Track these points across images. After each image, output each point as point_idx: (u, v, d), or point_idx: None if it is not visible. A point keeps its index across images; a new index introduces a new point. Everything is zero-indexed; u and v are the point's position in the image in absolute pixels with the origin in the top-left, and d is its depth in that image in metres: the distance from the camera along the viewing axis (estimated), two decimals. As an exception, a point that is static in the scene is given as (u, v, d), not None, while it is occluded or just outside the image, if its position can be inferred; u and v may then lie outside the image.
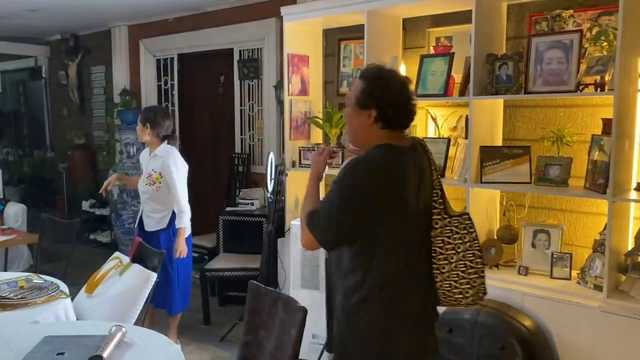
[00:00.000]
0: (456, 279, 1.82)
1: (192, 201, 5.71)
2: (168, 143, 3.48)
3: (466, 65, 3.12)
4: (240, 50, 4.99)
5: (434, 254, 1.81)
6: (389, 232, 1.73)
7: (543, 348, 2.60)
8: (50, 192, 7.38)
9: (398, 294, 1.75)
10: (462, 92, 3.13)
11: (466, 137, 3.22)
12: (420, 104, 3.55)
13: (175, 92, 5.68)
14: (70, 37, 6.73)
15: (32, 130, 8.08)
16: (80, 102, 6.83)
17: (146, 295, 2.61)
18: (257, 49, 4.84)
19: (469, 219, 1.83)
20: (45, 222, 3.67)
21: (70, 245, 3.50)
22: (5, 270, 5.08)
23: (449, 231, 1.81)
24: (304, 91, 4.09)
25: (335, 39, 4.20)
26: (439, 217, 1.81)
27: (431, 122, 3.55)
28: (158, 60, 5.87)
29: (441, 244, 1.81)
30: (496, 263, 3.07)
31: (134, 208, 5.52)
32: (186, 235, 3.41)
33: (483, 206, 3.14)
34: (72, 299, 2.69)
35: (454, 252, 1.81)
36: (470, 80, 2.98)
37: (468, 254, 1.81)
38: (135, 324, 2.60)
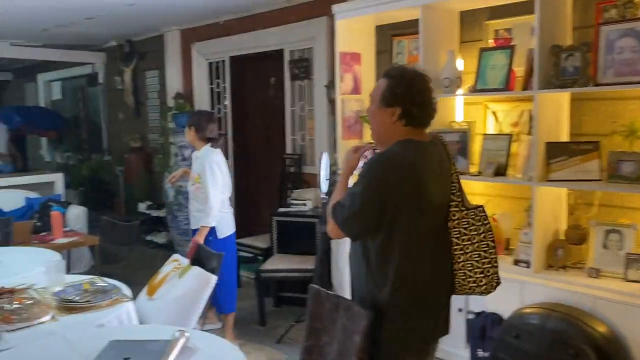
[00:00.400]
0: (470, 268, 1.93)
1: (245, 202, 5.81)
2: (211, 145, 3.59)
3: (529, 58, 2.98)
4: (290, 51, 4.97)
5: (450, 245, 1.91)
6: (411, 224, 1.82)
7: (619, 356, 2.44)
8: (108, 194, 7.60)
9: (421, 283, 1.86)
10: (525, 86, 2.99)
11: (529, 133, 3.08)
12: (479, 99, 3.43)
13: (227, 94, 5.73)
14: (125, 43, 6.90)
15: (91, 135, 8.35)
16: (136, 107, 7.00)
17: (206, 298, 2.62)
18: (308, 48, 4.80)
19: (484, 211, 1.93)
20: (105, 225, 3.76)
21: (129, 247, 3.58)
22: (68, 272, 5.26)
23: (465, 223, 1.91)
24: (356, 90, 4.03)
25: (388, 35, 4.11)
26: (456, 209, 1.90)
27: (491, 117, 3.41)
28: (210, 63, 5.94)
29: (457, 235, 1.91)
30: (563, 264, 2.92)
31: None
32: (228, 234, 3.57)
33: (549, 205, 2.99)
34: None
35: (469, 242, 1.91)
36: (533, 73, 2.84)
37: (482, 244, 1.92)
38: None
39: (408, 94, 1.83)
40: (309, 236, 4.13)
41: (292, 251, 4.18)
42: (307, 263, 3.94)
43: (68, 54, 7.39)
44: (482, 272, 1.92)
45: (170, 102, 6.05)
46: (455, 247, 1.92)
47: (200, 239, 3.39)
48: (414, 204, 1.81)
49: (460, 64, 3.47)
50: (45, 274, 2.43)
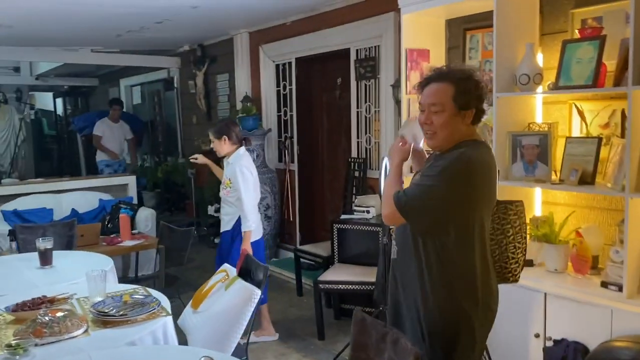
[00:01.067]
0: (506, 260, 2.03)
1: (309, 208, 5.64)
2: (245, 146, 3.77)
3: (622, 50, 2.56)
4: (357, 50, 4.74)
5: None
6: (481, 222, 1.85)
7: None
8: (181, 196, 7.72)
9: (485, 281, 1.88)
10: (618, 82, 2.58)
11: (622, 136, 2.67)
12: (562, 97, 3.03)
13: (294, 96, 5.59)
14: (198, 47, 6.97)
15: (166, 138, 8.55)
16: (207, 110, 7.05)
17: (250, 313, 2.45)
18: (374, 47, 4.55)
19: (522, 205, 2.04)
20: (163, 230, 3.71)
21: (185, 252, 3.52)
22: (136, 274, 5.33)
23: (497, 218, 2.00)
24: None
25: (460, 29, 3.78)
26: None
27: (577, 118, 3.01)
28: (277, 66, 5.83)
29: (492, 231, 1.98)
30: (665, 290, 2.48)
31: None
32: (255, 239, 3.59)
33: (646, 220, 2.56)
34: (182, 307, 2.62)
35: (503, 236, 2.00)
36: (628, 67, 2.44)
37: (517, 236, 2.03)
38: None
39: (481, 94, 1.87)
40: (371, 246, 3.88)
41: (353, 261, 3.95)
42: (368, 275, 3.69)
43: (145, 59, 7.59)
44: (516, 262, 2.04)
45: (239, 105, 6.01)
46: (491, 242, 1.98)
47: (246, 245, 3.44)
48: (489, 206, 1.89)
49: (540, 59, 3.10)
50: (88, 283, 2.35)
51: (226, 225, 3.68)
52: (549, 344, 2.73)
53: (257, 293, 2.43)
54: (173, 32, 5.97)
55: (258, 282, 2.57)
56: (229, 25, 5.77)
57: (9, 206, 5.35)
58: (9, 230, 4.48)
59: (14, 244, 4.11)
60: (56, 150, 11.41)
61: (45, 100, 11.93)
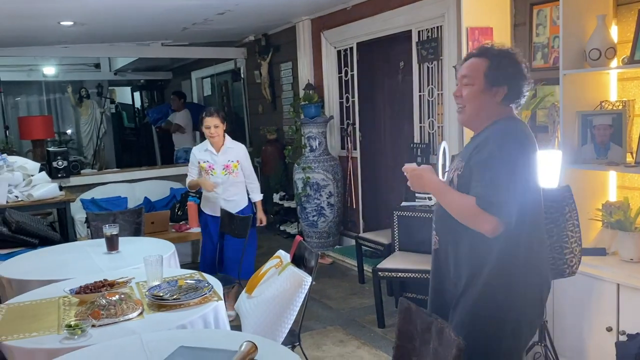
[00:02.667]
0: (559, 250, 1.98)
1: (372, 194, 5.58)
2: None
3: None
4: (419, 32, 4.60)
5: None
6: (536, 204, 1.79)
7: None
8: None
9: (538, 265, 1.80)
10: (701, 52, 2.33)
11: None
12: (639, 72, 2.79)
13: (356, 82, 5.52)
14: (262, 36, 7.04)
15: (235, 128, 8.73)
16: (272, 99, 7.13)
17: (301, 300, 2.44)
18: (437, 27, 4.39)
19: (569, 191, 1.98)
20: (224, 216, 3.79)
21: (243, 239, 3.58)
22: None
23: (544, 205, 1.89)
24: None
25: (527, 5, 3.57)
26: None
27: (655, 95, 2.75)
28: (338, 52, 5.78)
29: None
30: None
31: (316, 201, 5.52)
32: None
33: None
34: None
35: (553, 225, 1.94)
36: None
37: (569, 224, 1.98)
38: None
39: (517, 73, 1.81)
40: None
41: (414, 249, 3.85)
42: (429, 263, 3.57)
43: (212, 51, 7.77)
44: (571, 253, 1.99)
45: (302, 93, 6.02)
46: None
47: (262, 211, 4.12)
48: (537, 182, 1.80)
49: (614, 31, 2.86)
50: (145, 267, 2.44)
51: (241, 203, 4.04)
52: (622, 338, 2.55)
53: (308, 280, 2.42)
54: (237, 23, 6.05)
55: (310, 269, 2.56)
56: (291, 12, 5.78)
57: (88, 195, 5.68)
58: (85, 218, 4.75)
59: (89, 230, 4.35)
60: (135, 142, 11.98)
61: (124, 95, 12.54)
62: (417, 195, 4.11)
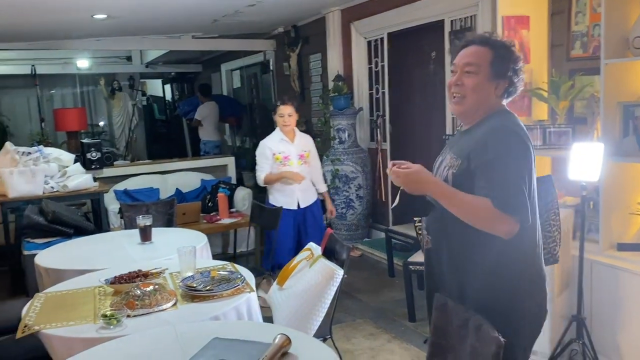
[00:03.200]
0: (544, 239, 1.91)
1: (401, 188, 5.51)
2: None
3: None
4: (451, 21, 4.51)
5: None
6: (535, 197, 1.74)
7: None
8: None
9: (539, 256, 1.77)
10: None
11: None
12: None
13: (386, 73, 5.45)
14: (291, 28, 7.02)
15: (263, 120, 8.75)
16: (301, 91, 7.11)
17: (333, 293, 2.42)
18: (470, 16, 4.31)
19: (551, 180, 1.98)
20: (254, 208, 3.81)
21: (275, 230, 3.59)
22: (234, 250, 5.54)
23: None
24: (523, 59, 3.43)
25: (565, -8, 3.46)
26: None
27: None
28: (369, 42, 5.72)
29: None
30: None
31: (345, 193, 5.50)
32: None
33: None
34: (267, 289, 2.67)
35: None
36: None
37: (551, 213, 1.98)
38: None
39: (518, 67, 1.77)
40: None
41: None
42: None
43: (242, 43, 7.79)
44: (554, 242, 2.00)
45: (331, 85, 5.99)
46: None
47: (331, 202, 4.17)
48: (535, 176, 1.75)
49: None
50: (179, 258, 2.46)
51: (314, 194, 4.00)
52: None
53: (340, 273, 2.40)
54: (266, 15, 6.04)
55: (341, 262, 2.54)
56: (321, 3, 5.74)
57: (121, 186, 5.76)
58: (119, 208, 4.82)
59: (122, 221, 4.42)
60: (165, 134, 12.13)
61: (155, 87, 12.70)
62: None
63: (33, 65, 9.15)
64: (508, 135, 1.68)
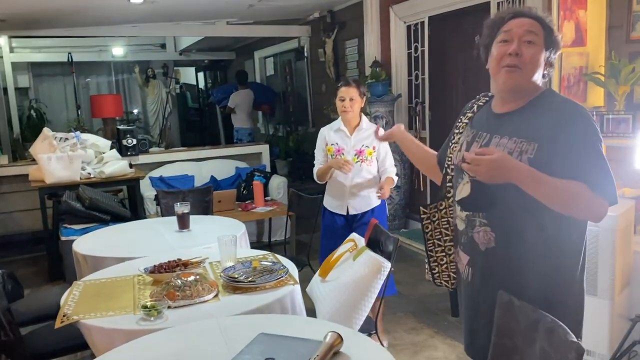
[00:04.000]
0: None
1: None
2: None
3: None
4: (498, 2, 4.30)
5: None
6: None
7: None
8: (312, 165, 7.77)
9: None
10: None
11: None
12: None
13: (426, 58, 5.27)
14: (327, 13, 6.87)
15: (297, 108, 8.65)
16: (336, 78, 6.96)
17: (379, 286, 2.31)
18: (519, -3, 4.09)
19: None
20: (292, 197, 3.71)
21: (314, 219, 3.48)
22: (269, 238, 5.46)
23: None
24: (579, 41, 3.26)
25: (627, -31, 3.23)
26: None
27: None
28: (408, 27, 5.54)
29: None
30: None
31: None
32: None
33: None
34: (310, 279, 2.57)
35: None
36: None
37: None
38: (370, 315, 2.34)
39: (559, 50, 1.65)
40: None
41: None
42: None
43: (276, 29, 7.68)
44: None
45: (368, 71, 5.83)
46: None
47: (389, 186, 3.20)
48: None
49: None
50: (219, 247, 2.37)
51: (373, 200, 3.26)
52: None
53: (387, 265, 2.28)
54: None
55: (388, 254, 2.42)
56: (359, -13, 5.58)
57: (156, 173, 5.75)
58: (155, 195, 4.79)
59: (158, 208, 4.38)
60: (198, 122, 12.15)
61: (189, 75, 12.72)
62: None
63: (69, 53, 9.23)
64: (584, 114, 1.56)
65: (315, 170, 3.38)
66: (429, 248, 1.86)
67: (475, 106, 1.82)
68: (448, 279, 1.88)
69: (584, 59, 3.27)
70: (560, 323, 1.41)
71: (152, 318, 1.85)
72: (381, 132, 2.21)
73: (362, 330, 2.35)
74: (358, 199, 3.25)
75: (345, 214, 3.28)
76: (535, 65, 1.59)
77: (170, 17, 6.68)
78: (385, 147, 3.27)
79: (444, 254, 1.84)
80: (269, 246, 5.41)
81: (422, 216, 1.84)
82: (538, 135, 1.56)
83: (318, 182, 3.39)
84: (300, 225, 5.01)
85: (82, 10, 5.55)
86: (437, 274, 1.88)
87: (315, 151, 3.40)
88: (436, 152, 2.00)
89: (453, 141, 1.82)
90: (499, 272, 1.67)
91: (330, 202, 3.36)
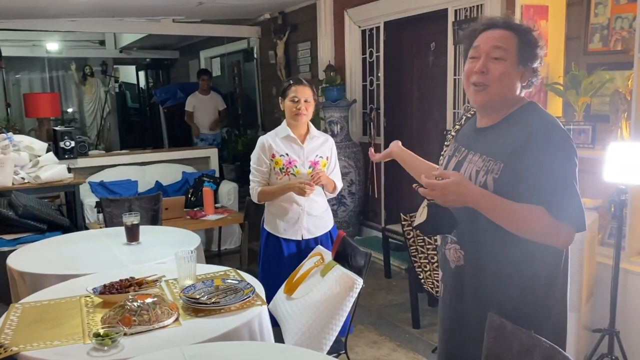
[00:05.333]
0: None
1: (397, 184, 5.30)
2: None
3: None
4: (455, 10, 4.29)
5: None
6: None
7: None
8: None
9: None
10: None
11: None
12: None
13: (381, 64, 5.22)
14: (279, 14, 6.71)
15: (246, 110, 8.43)
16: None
17: (351, 304, 2.18)
18: (477, 5, 4.09)
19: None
20: (249, 204, 3.53)
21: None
22: (219, 247, 5.24)
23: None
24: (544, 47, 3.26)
25: (585, -18, 3.27)
26: None
27: None
28: (363, 31, 5.47)
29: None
30: None
31: (338, 189, 5.24)
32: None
33: None
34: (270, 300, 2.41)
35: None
36: None
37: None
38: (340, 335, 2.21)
39: (541, 55, 1.56)
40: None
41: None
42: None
43: (225, 29, 7.43)
44: None
45: (321, 75, 5.72)
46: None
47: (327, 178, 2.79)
48: None
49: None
50: (177, 264, 2.17)
51: (328, 221, 2.89)
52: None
53: (360, 282, 2.16)
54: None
55: (358, 269, 2.30)
56: (313, -11, 5.46)
57: (96, 177, 5.40)
58: (96, 202, 4.47)
59: (100, 216, 4.08)
60: (139, 122, 11.66)
61: (129, 74, 12.18)
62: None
63: (-2, 47, 8.60)
64: (555, 133, 1.47)
65: (257, 189, 2.79)
66: (412, 254, 1.78)
67: (464, 118, 1.74)
68: (433, 286, 1.79)
69: (545, 69, 3.28)
70: (561, 350, 1.33)
71: (105, 347, 1.64)
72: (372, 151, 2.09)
73: (331, 351, 2.22)
74: (314, 220, 2.82)
75: (299, 239, 2.81)
76: (503, 81, 1.52)
77: (113, 13, 6.31)
78: (335, 156, 2.89)
79: (426, 260, 1.76)
80: (219, 255, 5.20)
81: (403, 223, 1.74)
82: (504, 153, 1.50)
83: (257, 202, 2.88)
84: (252, 232, 4.82)
85: (16, 0, 5.13)
86: (423, 280, 1.79)
87: (254, 165, 2.81)
88: (436, 165, 1.88)
89: (441, 153, 1.73)
90: (469, 289, 1.61)
91: (277, 227, 2.82)
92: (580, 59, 3.33)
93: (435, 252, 1.76)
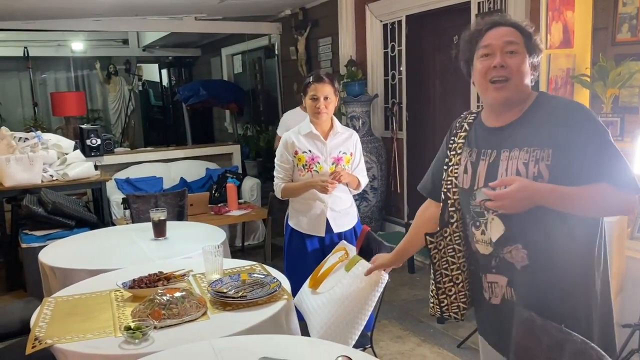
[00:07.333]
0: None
1: (417, 179, 5.26)
2: None
3: None
4: (478, 3, 4.24)
5: None
6: None
7: None
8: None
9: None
10: None
11: None
12: None
13: (403, 58, 5.19)
14: (299, 10, 6.71)
15: (267, 107, 8.46)
16: (309, 76, 6.82)
17: (376, 299, 2.18)
18: (501, -3, 4.04)
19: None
20: (273, 200, 3.55)
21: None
22: (243, 243, 5.29)
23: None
24: (567, 42, 3.21)
25: (612, -29, 3.20)
26: None
27: None
28: (385, 26, 5.44)
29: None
30: None
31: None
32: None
33: None
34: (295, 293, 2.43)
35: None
36: None
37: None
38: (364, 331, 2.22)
39: (542, 47, 1.60)
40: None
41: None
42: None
43: (246, 26, 7.46)
44: None
45: (342, 70, 5.71)
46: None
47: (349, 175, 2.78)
48: None
49: None
50: (204, 259, 2.20)
51: (353, 217, 2.89)
52: None
53: (385, 277, 2.16)
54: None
55: (383, 264, 2.29)
56: (334, -16, 5.45)
57: (122, 174, 5.48)
58: (122, 199, 4.55)
59: (127, 212, 4.15)
60: (162, 120, 11.80)
61: (152, 72, 12.32)
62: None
63: (26, 47, 8.78)
64: (590, 114, 1.51)
65: (280, 186, 2.79)
66: (437, 280, 1.69)
67: (466, 124, 1.71)
68: (457, 310, 1.72)
69: (571, 61, 3.23)
70: (593, 345, 1.31)
71: (136, 340, 1.67)
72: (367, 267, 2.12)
73: (357, 345, 2.23)
74: (337, 217, 2.80)
75: (322, 235, 2.78)
76: (522, 74, 1.56)
77: (136, 11, 6.39)
78: (360, 151, 2.89)
79: (452, 283, 1.70)
80: (242, 250, 5.24)
81: (430, 246, 1.67)
82: (549, 140, 1.49)
83: (281, 198, 2.87)
84: (275, 227, 4.86)
85: (42, 1, 5.23)
86: (446, 306, 1.72)
87: (278, 161, 2.81)
88: (422, 232, 1.73)
89: (451, 164, 1.69)
90: (539, 288, 1.55)
91: (301, 223, 2.81)
92: (608, 49, 3.26)
93: (459, 273, 1.70)
